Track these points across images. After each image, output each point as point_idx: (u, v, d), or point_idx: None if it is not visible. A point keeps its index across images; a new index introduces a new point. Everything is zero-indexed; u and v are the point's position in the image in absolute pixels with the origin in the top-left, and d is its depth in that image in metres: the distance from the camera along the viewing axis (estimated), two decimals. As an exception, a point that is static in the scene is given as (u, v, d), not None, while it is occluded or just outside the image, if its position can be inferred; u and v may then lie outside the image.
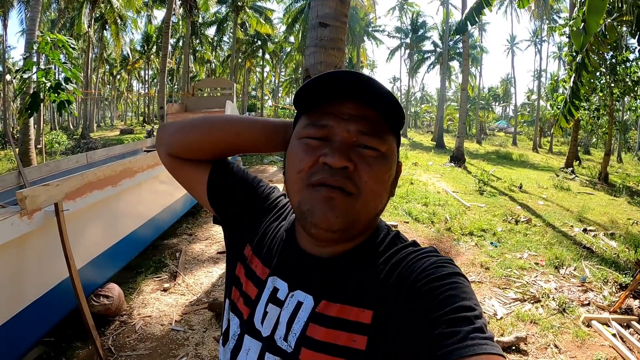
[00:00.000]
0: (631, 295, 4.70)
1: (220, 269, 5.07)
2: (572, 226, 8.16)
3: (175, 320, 3.84)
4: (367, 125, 0.68)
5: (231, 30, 33.25)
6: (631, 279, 5.12)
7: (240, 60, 39.03)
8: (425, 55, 42.14)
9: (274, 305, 0.75)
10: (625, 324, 4.23)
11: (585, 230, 7.87)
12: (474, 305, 0.59)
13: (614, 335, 3.98)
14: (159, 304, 4.15)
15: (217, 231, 6.29)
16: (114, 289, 3.85)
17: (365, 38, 37.94)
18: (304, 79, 4.17)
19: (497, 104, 61.31)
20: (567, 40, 14.12)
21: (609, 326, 4.15)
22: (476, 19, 7.03)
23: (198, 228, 6.54)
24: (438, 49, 39.91)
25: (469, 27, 7.31)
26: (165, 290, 4.44)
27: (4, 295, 2.68)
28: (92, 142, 22.85)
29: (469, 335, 0.54)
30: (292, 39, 35.24)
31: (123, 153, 7.58)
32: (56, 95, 6.33)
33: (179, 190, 5.95)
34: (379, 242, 0.75)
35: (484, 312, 4.34)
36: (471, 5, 7.02)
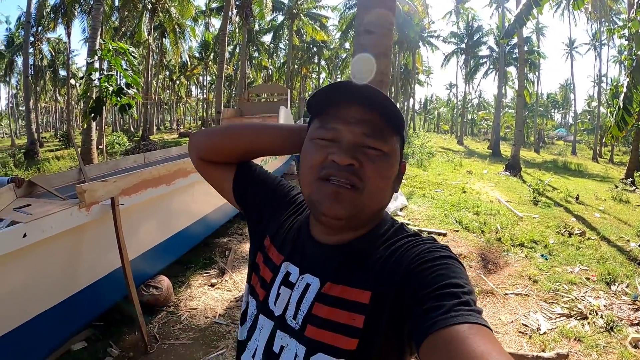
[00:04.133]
0: None
1: None
2: (628, 240, 7.74)
3: (219, 314, 4.02)
4: (370, 128, 0.76)
5: (287, 37, 33.85)
6: None
7: (296, 66, 39.59)
8: (482, 61, 41.10)
9: (285, 288, 0.84)
10: None
11: None
12: (463, 283, 0.65)
13: None
14: (205, 297, 4.35)
15: None
16: (164, 281, 4.07)
17: (420, 44, 37.48)
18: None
19: (556, 111, 58.78)
20: (626, 42, 13.43)
21: None
22: (524, 20, 6.83)
23: None
24: (494, 54, 38.85)
25: (519, 29, 7.11)
26: (212, 285, 4.64)
27: (61, 277, 2.93)
28: (151, 143, 23.78)
29: (454, 308, 0.60)
30: (347, 45, 35.39)
31: (179, 154, 7.87)
32: (118, 99, 6.70)
33: None
34: (383, 232, 0.82)
35: (526, 326, 4.22)
36: (520, 7, 6.85)
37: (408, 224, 7.19)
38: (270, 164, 8.42)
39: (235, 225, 6.80)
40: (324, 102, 0.80)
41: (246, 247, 5.93)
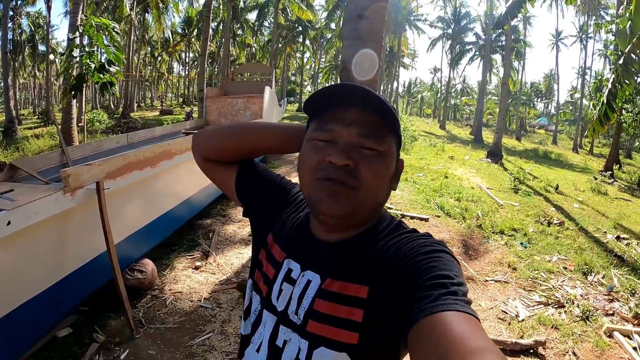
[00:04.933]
0: None
1: (250, 250, 5.19)
2: (605, 232, 7.93)
3: (205, 298, 4.02)
4: (366, 128, 0.78)
5: (272, 16, 33.40)
6: None
7: (280, 45, 39.18)
8: (467, 47, 41.27)
9: (288, 284, 0.86)
10: None
11: (618, 237, 7.62)
12: (453, 275, 0.67)
13: (634, 348, 3.85)
14: (190, 281, 4.34)
15: None
16: (148, 265, 4.04)
17: (406, 27, 37.41)
18: (340, 70, 4.20)
19: (539, 100, 59.43)
20: (613, 38, 13.65)
21: (631, 339, 4.03)
22: (516, 12, 6.88)
23: (232, 210, 6.68)
24: (480, 41, 38.99)
25: (509, 20, 7.16)
26: (196, 268, 4.63)
27: (47, 264, 2.89)
28: (132, 121, 23.44)
29: (441, 297, 0.62)
30: (333, 25, 35.13)
31: (162, 135, 7.82)
32: (100, 76, 6.55)
33: None
34: (382, 229, 0.85)
35: (506, 312, 4.33)
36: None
37: (390, 209, 7.25)
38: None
39: (219, 206, 6.77)
40: (320, 104, 0.82)
41: (230, 228, 5.93)
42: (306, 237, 0.89)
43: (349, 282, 0.77)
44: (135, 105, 37.83)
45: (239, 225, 6.04)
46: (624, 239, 7.58)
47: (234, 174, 1.05)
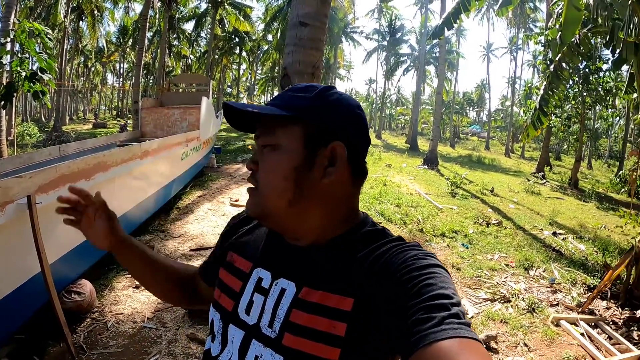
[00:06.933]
0: (599, 297, 4.91)
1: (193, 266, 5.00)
2: (542, 229, 8.39)
3: (148, 318, 3.79)
4: (260, 128, 0.81)
5: (209, 26, 32.84)
6: (599, 280, 5.34)
7: (217, 56, 38.59)
8: (402, 59, 42.38)
9: (259, 295, 0.79)
10: (592, 324, 4.38)
11: (554, 233, 8.12)
12: (452, 294, 0.62)
13: (582, 334, 4.11)
14: (131, 301, 4.08)
15: (190, 228, 6.24)
16: (86, 286, 3.78)
17: (343, 39, 38.00)
18: (281, 77, 4.15)
19: (471, 108, 62.08)
20: (542, 48, 14.57)
21: (577, 325, 4.29)
22: (453, 23, 7.14)
23: (171, 225, 6.43)
24: (415, 53, 40.23)
25: (446, 32, 7.43)
26: (137, 287, 4.35)
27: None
28: (64, 135, 22.43)
29: (444, 321, 0.57)
30: (270, 37, 35.08)
31: (97, 146, 7.48)
32: (31, 85, 6.15)
33: (152, 186, 5.87)
34: (362, 234, 0.78)
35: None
36: (449, 10, 7.14)
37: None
38: (191, 157, 8.13)
39: (157, 221, 6.48)
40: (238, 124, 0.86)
41: (170, 244, 5.67)
42: (275, 243, 0.84)
43: (330, 293, 0.71)
44: (68, 118, 36.11)
45: (179, 241, 5.79)
46: (559, 234, 8.09)
47: (202, 282, 1.05)
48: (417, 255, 0.69)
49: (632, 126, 26.29)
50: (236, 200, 8.20)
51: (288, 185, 0.76)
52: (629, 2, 4.64)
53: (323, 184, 0.76)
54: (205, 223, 6.60)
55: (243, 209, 0.92)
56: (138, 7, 33.35)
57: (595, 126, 32.46)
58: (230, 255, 0.91)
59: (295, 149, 0.76)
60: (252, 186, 0.80)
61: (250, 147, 18.55)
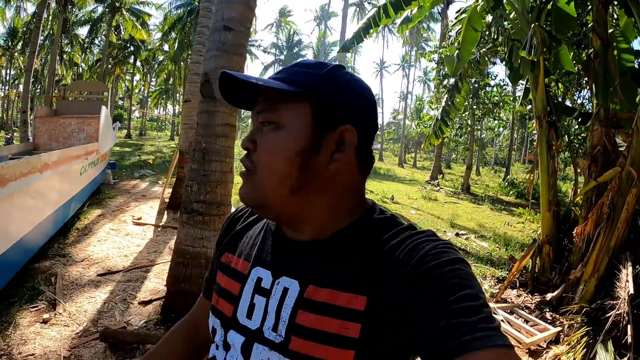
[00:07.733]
0: (509, 287, 5.35)
1: (103, 293, 4.47)
2: (445, 231, 8.96)
3: (64, 357, 3.28)
4: (262, 104, 0.72)
5: (104, 32, 31.01)
6: (507, 272, 5.87)
7: (110, 65, 36.40)
8: (299, 73, 43.21)
9: (260, 296, 0.72)
10: (509, 311, 4.75)
11: (457, 234, 8.74)
12: (479, 293, 0.58)
13: (501, 321, 4.42)
14: (41, 338, 3.52)
15: (94, 251, 5.66)
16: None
17: (241, 52, 37.91)
18: (202, 83, 4.00)
19: (364, 122, 64.90)
20: (435, 65, 15.75)
21: (495, 314, 4.56)
22: (364, 38, 7.41)
23: (72, 248, 5.76)
24: (312, 67, 41.21)
25: (355, 45, 7.68)
26: (45, 322, 3.78)
27: None
28: None
29: (477, 326, 0.53)
30: (166, 47, 34.03)
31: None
32: None
33: (49, 204, 5.19)
34: (370, 225, 0.72)
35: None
36: (360, 26, 7.40)
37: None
38: (89, 172, 7.47)
39: (56, 245, 5.74)
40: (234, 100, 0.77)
41: (74, 270, 5.06)
42: (274, 239, 0.77)
43: (339, 291, 0.65)
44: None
45: (84, 266, 5.19)
46: (462, 234, 8.71)
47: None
48: (436, 248, 0.63)
49: (516, 135, 29.14)
50: (139, 219, 7.62)
51: (291, 170, 0.68)
52: (532, 25, 5.05)
53: (329, 170, 0.69)
54: (109, 244, 6.05)
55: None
56: (31, 8, 30.75)
57: (482, 136, 35.61)
58: (225, 256, 0.84)
59: (301, 130, 0.68)
60: (247, 169, 0.71)
61: (150, 161, 17.79)
